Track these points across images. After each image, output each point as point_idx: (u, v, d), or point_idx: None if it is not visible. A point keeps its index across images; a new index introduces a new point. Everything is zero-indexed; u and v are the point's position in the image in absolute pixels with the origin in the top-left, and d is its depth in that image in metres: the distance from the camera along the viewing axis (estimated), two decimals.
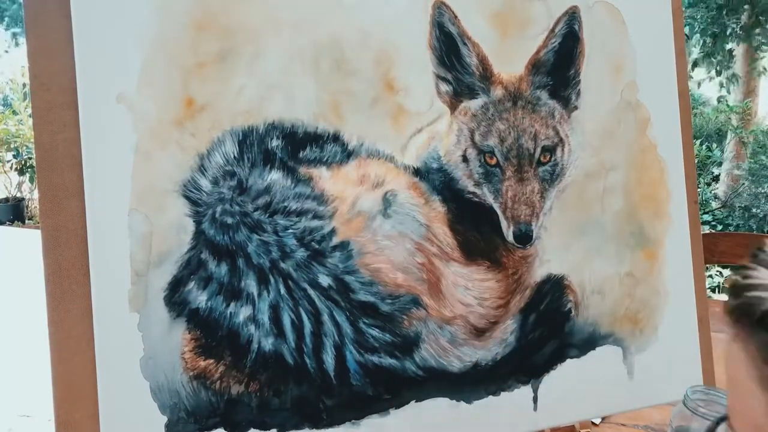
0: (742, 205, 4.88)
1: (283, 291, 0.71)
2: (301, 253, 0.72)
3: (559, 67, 0.84)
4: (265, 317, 0.71)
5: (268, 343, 0.71)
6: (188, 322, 0.69)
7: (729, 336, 0.38)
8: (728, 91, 6.11)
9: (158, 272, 0.68)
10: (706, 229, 4.70)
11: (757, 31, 5.48)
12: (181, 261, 0.69)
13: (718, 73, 6.02)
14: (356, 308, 0.74)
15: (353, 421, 0.75)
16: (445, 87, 0.79)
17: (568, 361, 0.85)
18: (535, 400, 0.84)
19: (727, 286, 0.38)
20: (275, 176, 0.72)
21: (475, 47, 0.80)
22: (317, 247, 0.73)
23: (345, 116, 0.75)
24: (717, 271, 4.15)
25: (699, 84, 6.50)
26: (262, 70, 0.71)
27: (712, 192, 5.58)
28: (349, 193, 0.74)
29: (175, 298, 0.68)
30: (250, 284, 0.71)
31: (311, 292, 0.72)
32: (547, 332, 0.85)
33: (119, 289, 0.67)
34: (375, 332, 0.75)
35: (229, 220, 0.70)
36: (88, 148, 0.66)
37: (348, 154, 0.75)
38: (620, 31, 0.89)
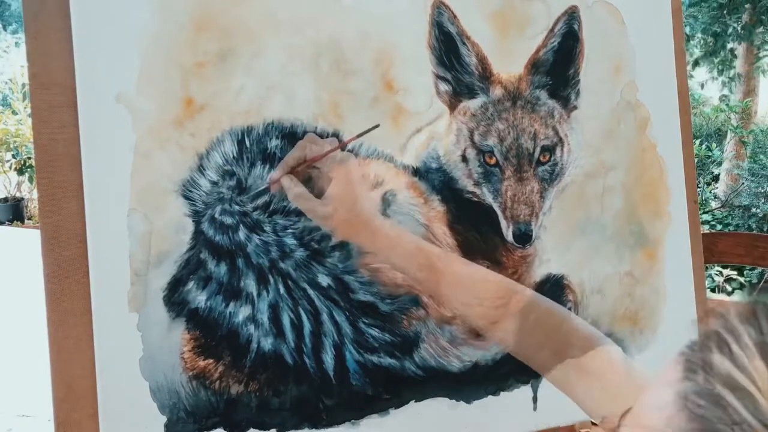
0: (742, 205, 4.88)
1: (282, 291, 0.71)
2: (300, 253, 0.72)
3: (559, 66, 0.84)
4: (264, 317, 0.71)
5: (267, 343, 0.71)
6: (187, 322, 0.69)
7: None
8: (731, 91, 6.12)
9: (157, 272, 0.68)
10: (706, 229, 4.70)
11: (759, 30, 5.48)
12: (180, 261, 0.69)
13: (720, 72, 6.02)
14: (356, 308, 0.74)
15: (353, 421, 0.75)
16: (444, 87, 0.79)
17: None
18: (534, 400, 0.84)
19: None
20: (275, 176, 0.71)
21: (474, 47, 0.80)
22: (317, 246, 0.73)
23: (344, 116, 0.75)
24: (717, 271, 4.14)
25: (702, 85, 6.50)
26: (262, 70, 0.71)
27: (712, 192, 5.58)
28: None
29: (175, 298, 0.68)
30: (250, 284, 0.71)
31: (311, 291, 0.72)
32: None
33: (119, 289, 0.66)
34: (374, 332, 0.75)
35: (229, 220, 0.70)
36: (87, 148, 0.66)
37: None
38: (620, 30, 0.89)
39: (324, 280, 0.73)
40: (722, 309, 0.32)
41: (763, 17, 5.37)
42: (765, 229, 4.64)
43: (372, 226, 0.71)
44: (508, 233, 0.81)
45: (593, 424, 0.95)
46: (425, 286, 0.73)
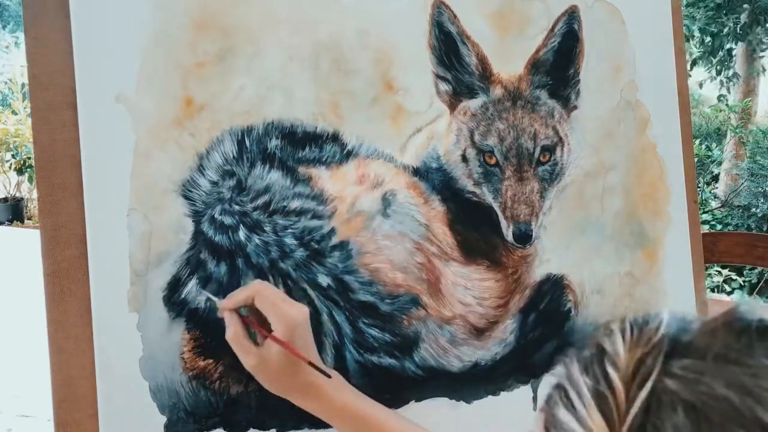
0: (741, 204, 4.88)
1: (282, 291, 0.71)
2: (300, 253, 0.72)
3: (559, 66, 0.84)
4: None
5: None
6: (187, 322, 0.69)
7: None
8: (728, 90, 6.12)
9: (157, 272, 0.68)
10: (706, 229, 4.70)
11: (757, 30, 5.48)
12: (180, 261, 0.68)
13: (719, 72, 6.03)
14: (356, 308, 0.74)
15: None
16: (444, 86, 0.79)
17: None
18: (534, 400, 0.84)
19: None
20: (274, 176, 0.71)
21: (474, 47, 0.80)
22: (316, 246, 0.73)
23: (344, 116, 0.75)
24: (717, 270, 4.15)
25: (701, 84, 6.50)
26: (262, 70, 0.71)
27: (712, 192, 5.59)
28: (349, 193, 0.74)
29: (174, 298, 0.68)
30: None
31: (311, 292, 0.72)
32: (546, 332, 0.85)
33: (118, 289, 0.66)
34: (374, 332, 0.75)
35: (228, 220, 0.70)
36: (87, 148, 0.65)
37: (347, 154, 0.75)
38: (620, 30, 0.89)
39: (324, 280, 0.73)
40: (567, 357, 0.34)
41: (761, 18, 5.37)
42: (764, 229, 4.64)
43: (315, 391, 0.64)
44: (508, 233, 0.81)
45: None
46: None
